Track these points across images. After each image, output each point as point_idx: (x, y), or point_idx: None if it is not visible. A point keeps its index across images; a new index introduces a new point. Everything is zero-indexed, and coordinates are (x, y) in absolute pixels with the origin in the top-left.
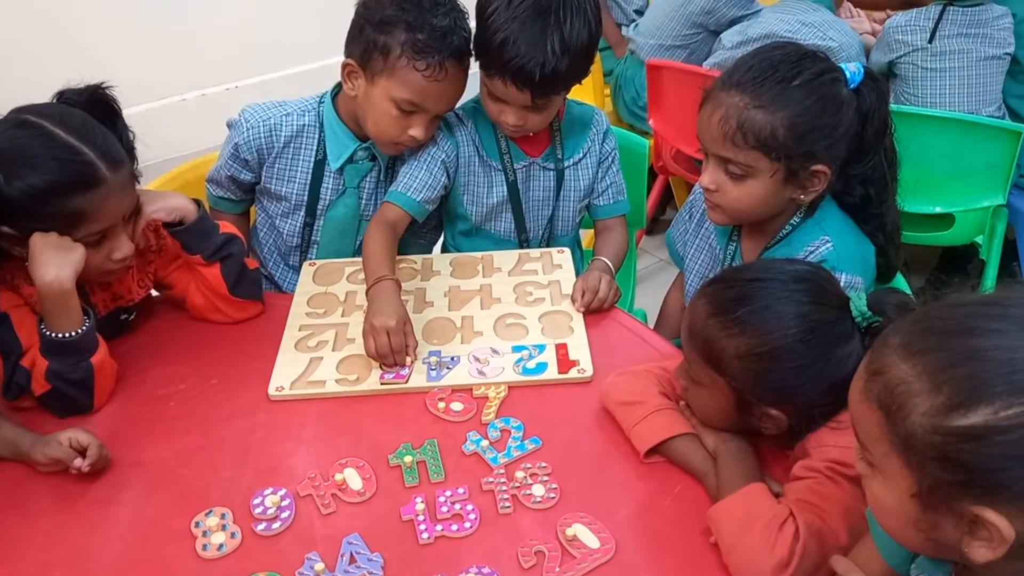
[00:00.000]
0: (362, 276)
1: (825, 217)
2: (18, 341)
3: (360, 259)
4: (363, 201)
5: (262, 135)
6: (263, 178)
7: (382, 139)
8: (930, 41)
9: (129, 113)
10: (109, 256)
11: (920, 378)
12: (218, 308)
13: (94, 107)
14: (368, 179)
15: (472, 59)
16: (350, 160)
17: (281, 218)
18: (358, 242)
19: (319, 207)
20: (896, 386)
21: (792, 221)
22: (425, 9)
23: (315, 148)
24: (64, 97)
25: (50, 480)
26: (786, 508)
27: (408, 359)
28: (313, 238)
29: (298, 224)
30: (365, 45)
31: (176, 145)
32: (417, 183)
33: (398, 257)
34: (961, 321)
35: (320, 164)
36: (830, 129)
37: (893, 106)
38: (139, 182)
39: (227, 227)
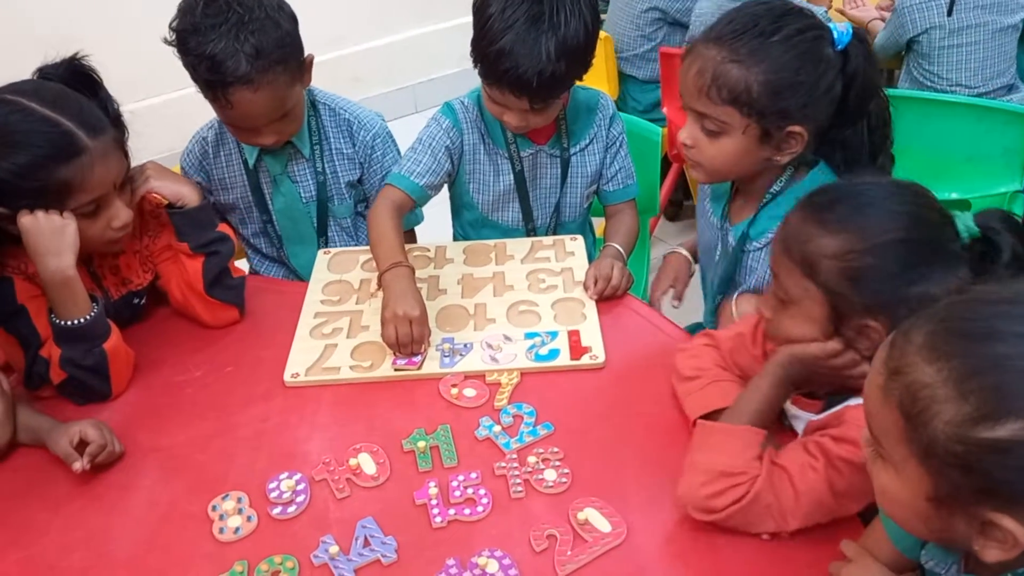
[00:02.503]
0: None
1: (817, 180)
2: (36, 332)
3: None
4: (300, 186)
5: (197, 151)
6: (213, 193)
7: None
8: (949, 14)
9: (136, 108)
10: (109, 225)
11: (945, 384)
12: (193, 306)
13: (73, 79)
14: (294, 164)
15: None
16: (266, 151)
17: (241, 226)
18: (315, 225)
19: (268, 204)
20: (919, 390)
21: (778, 184)
22: (200, 31)
23: (238, 150)
24: (42, 73)
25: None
26: (753, 472)
27: (423, 346)
28: (278, 232)
29: (257, 224)
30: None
31: (185, 139)
32: (421, 167)
33: (412, 245)
34: (987, 323)
35: (247, 163)
36: (808, 88)
37: (908, 91)
38: (127, 148)
39: (225, 228)
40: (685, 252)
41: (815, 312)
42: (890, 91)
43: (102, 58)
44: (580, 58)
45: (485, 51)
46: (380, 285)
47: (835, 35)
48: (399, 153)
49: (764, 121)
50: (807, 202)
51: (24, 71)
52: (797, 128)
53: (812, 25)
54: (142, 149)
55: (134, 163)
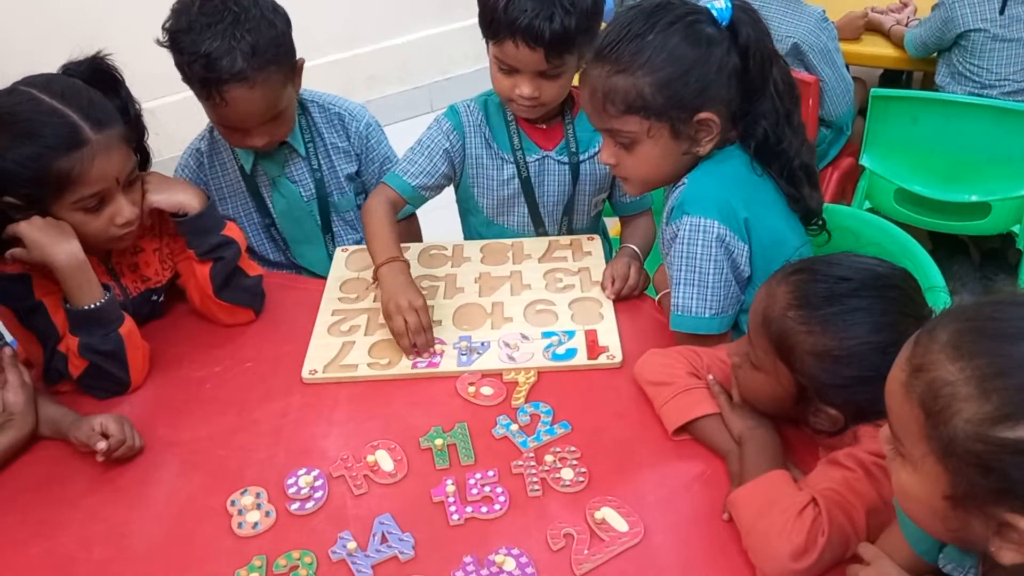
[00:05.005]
0: None
1: (707, 163)
2: (55, 327)
3: None
4: (299, 185)
5: (193, 163)
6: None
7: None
8: (1001, 12)
9: (161, 104)
10: (112, 222)
11: (968, 383)
12: (208, 307)
13: (95, 77)
14: (291, 164)
15: (485, 32)
16: (261, 154)
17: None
18: (319, 223)
19: (268, 206)
20: (941, 387)
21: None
22: (195, 30)
23: (233, 157)
24: (66, 70)
25: (90, 459)
26: (807, 495)
27: (438, 347)
28: (282, 235)
29: (260, 230)
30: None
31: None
32: (415, 168)
33: (428, 244)
34: (1015, 324)
35: (243, 169)
36: (698, 73)
37: (929, 94)
38: (147, 147)
39: (232, 230)
40: None
41: (781, 386)
42: (908, 93)
43: (123, 54)
44: (590, 19)
45: (494, 4)
46: (375, 279)
47: (715, 13)
48: (389, 141)
49: (667, 118)
50: (796, 284)
51: (46, 67)
52: (705, 115)
53: (686, 12)
54: (166, 146)
55: (155, 159)
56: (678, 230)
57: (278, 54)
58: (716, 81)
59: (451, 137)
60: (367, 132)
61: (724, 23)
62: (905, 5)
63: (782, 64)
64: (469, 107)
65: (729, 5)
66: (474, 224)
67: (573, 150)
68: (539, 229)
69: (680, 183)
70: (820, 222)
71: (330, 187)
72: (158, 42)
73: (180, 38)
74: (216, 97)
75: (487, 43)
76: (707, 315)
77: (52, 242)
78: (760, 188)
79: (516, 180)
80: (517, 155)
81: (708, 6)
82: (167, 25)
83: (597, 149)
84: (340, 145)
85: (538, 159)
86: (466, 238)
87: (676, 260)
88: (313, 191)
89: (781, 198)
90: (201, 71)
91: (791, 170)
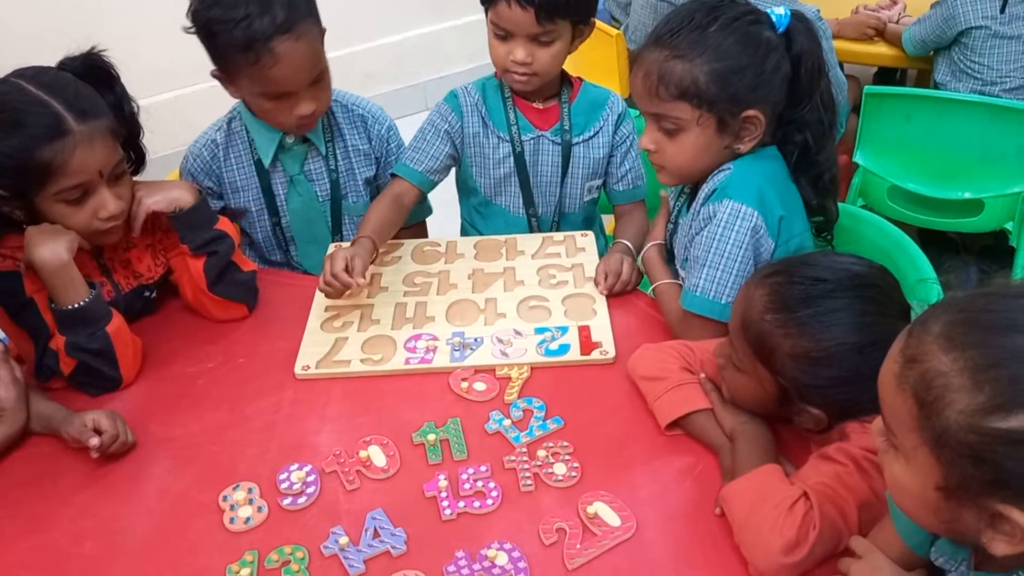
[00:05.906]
0: (388, 257)
1: (749, 156)
2: (45, 323)
3: (389, 241)
4: (316, 184)
5: (206, 155)
6: (224, 197)
7: (283, 127)
8: (1002, 11)
9: (156, 101)
10: (95, 215)
11: (961, 374)
12: (201, 303)
13: (89, 73)
14: (311, 162)
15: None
16: (282, 150)
17: (251, 229)
18: (330, 225)
19: (278, 204)
20: (934, 378)
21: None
22: (224, 2)
23: (249, 151)
24: (61, 66)
25: (82, 454)
26: (798, 489)
27: (431, 343)
28: (287, 235)
29: (267, 227)
30: (210, 53)
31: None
32: (419, 155)
33: (423, 240)
34: (1007, 316)
35: (261, 164)
36: (753, 70)
37: (922, 91)
38: (142, 146)
39: (225, 224)
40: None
41: (763, 388)
42: (902, 90)
43: (119, 51)
44: None
45: None
46: None
47: (774, 18)
48: (405, 144)
49: (717, 109)
50: (773, 287)
51: (46, 61)
52: (752, 112)
53: (747, 11)
54: (160, 144)
55: (150, 156)
56: (715, 213)
57: (311, 8)
58: (769, 82)
59: (449, 119)
60: (388, 135)
61: (781, 30)
62: (895, 2)
63: (828, 79)
64: (467, 89)
65: (788, 12)
66: (473, 204)
67: (567, 128)
68: (530, 209)
69: (724, 168)
70: (828, 237)
71: (346, 189)
72: (185, 30)
73: (211, 13)
74: (266, 56)
75: (485, 12)
76: (723, 301)
77: (36, 243)
78: (792, 192)
79: (511, 159)
80: (512, 130)
81: (768, 11)
82: (193, 7)
83: (592, 133)
84: (361, 148)
85: (533, 138)
86: (464, 219)
87: (706, 241)
88: (329, 191)
89: (802, 208)
90: (243, 34)
91: (823, 182)
